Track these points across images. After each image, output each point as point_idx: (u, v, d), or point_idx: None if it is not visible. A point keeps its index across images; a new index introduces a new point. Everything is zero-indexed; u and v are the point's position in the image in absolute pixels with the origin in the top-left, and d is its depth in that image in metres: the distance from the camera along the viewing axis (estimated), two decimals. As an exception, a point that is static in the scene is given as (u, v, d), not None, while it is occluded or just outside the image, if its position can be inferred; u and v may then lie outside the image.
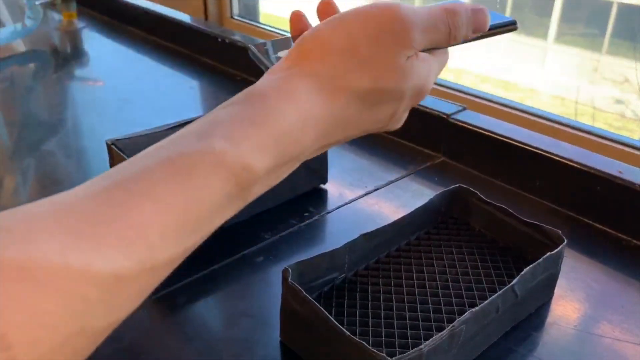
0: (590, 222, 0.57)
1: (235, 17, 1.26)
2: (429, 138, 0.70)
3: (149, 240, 0.21)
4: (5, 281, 0.17)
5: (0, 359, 0.17)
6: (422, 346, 0.34)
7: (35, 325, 0.18)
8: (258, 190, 0.26)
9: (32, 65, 1.05)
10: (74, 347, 0.19)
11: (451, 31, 0.30)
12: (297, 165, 0.28)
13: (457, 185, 0.52)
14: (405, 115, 0.32)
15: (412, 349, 0.34)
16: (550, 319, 0.45)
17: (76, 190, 0.22)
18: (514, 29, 0.34)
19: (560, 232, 0.45)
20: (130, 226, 0.21)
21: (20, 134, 0.78)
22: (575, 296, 0.48)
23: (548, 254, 0.43)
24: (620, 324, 0.44)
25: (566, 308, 0.46)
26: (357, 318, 0.42)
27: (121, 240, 0.20)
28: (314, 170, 0.60)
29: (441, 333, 0.35)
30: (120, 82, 0.94)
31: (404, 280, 0.45)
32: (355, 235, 0.45)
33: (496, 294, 0.39)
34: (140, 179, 0.22)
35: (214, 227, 0.25)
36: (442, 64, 0.32)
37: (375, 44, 0.28)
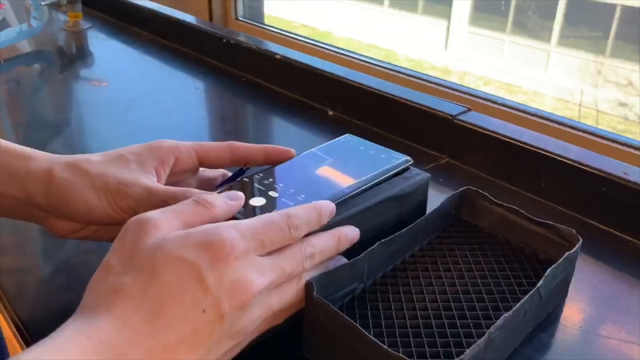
0: (596, 223, 0.57)
1: (240, 19, 1.26)
2: (434, 139, 0.70)
3: None
4: None
5: None
6: (462, 356, 0.34)
7: None
8: None
9: (37, 66, 1.05)
10: None
11: None
12: None
13: (466, 187, 0.52)
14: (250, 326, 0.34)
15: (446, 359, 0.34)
16: (556, 320, 0.45)
17: None
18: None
19: (574, 230, 0.45)
20: None
21: (25, 134, 0.78)
22: (580, 297, 0.48)
23: (567, 253, 0.42)
24: (626, 325, 0.45)
25: (572, 309, 0.46)
26: (384, 329, 0.40)
27: None
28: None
29: (478, 341, 0.35)
30: (126, 82, 0.94)
31: (424, 287, 0.44)
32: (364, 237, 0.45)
33: (524, 298, 0.39)
34: None
35: None
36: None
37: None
